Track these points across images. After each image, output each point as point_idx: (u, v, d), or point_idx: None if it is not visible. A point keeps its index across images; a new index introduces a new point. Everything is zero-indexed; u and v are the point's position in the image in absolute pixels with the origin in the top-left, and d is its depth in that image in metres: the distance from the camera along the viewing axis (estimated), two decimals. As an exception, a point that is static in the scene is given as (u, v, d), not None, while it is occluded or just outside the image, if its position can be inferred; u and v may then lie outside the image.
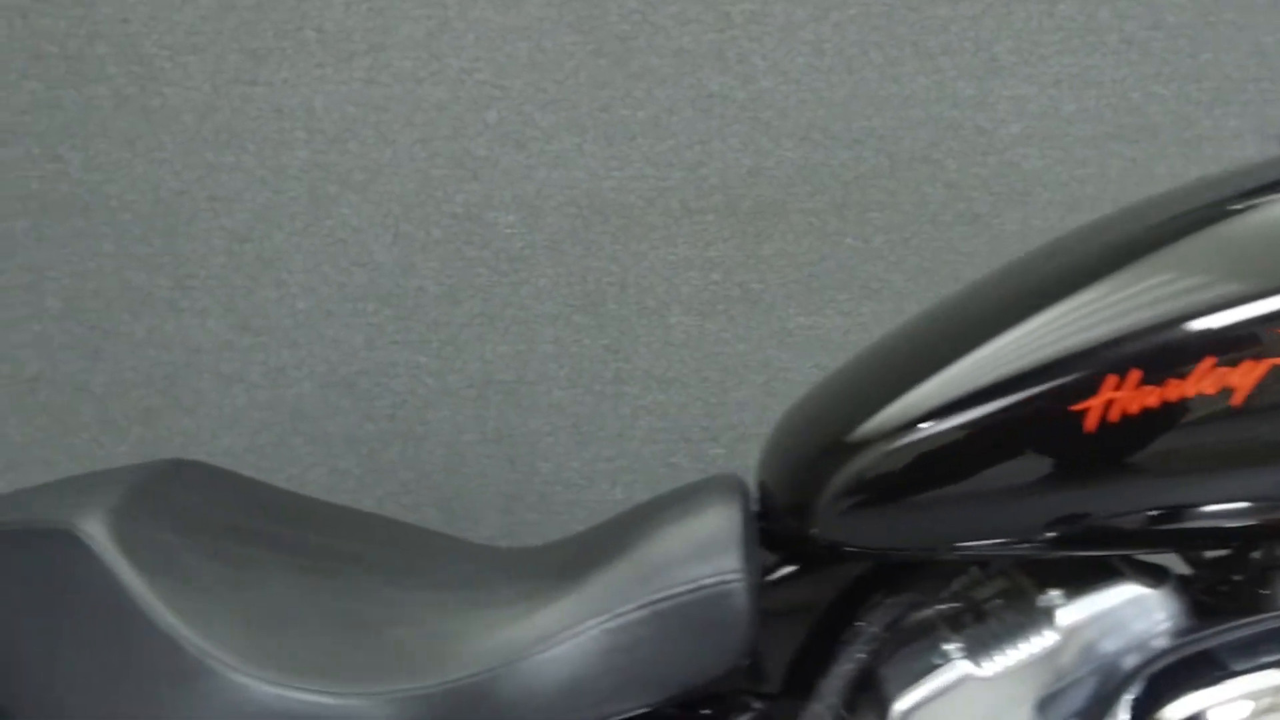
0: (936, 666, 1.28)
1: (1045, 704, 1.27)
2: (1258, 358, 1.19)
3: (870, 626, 1.32)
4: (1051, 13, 2.43)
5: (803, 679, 1.34)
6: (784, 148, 2.46)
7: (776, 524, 1.36)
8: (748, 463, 2.47)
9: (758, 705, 1.35)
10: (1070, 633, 1.27)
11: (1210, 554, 1.36)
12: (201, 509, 1.36)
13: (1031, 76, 2.45)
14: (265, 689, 1.22)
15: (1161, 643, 1.28)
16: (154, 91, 2.47)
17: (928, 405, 1.29)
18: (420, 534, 1.51)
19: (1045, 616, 1.28)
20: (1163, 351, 1.22)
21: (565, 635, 1.25)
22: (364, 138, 2.46)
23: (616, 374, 2.51)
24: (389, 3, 2.43)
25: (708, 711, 1.33)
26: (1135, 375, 1.22)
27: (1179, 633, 1.28)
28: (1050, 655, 1.27)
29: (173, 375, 2.52)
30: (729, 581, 1.27)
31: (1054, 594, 1.29)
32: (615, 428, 2.52)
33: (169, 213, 2.48)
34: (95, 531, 1.26)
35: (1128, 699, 1.26)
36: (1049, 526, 1.26)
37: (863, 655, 1.31)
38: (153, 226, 2.49)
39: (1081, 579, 1.30)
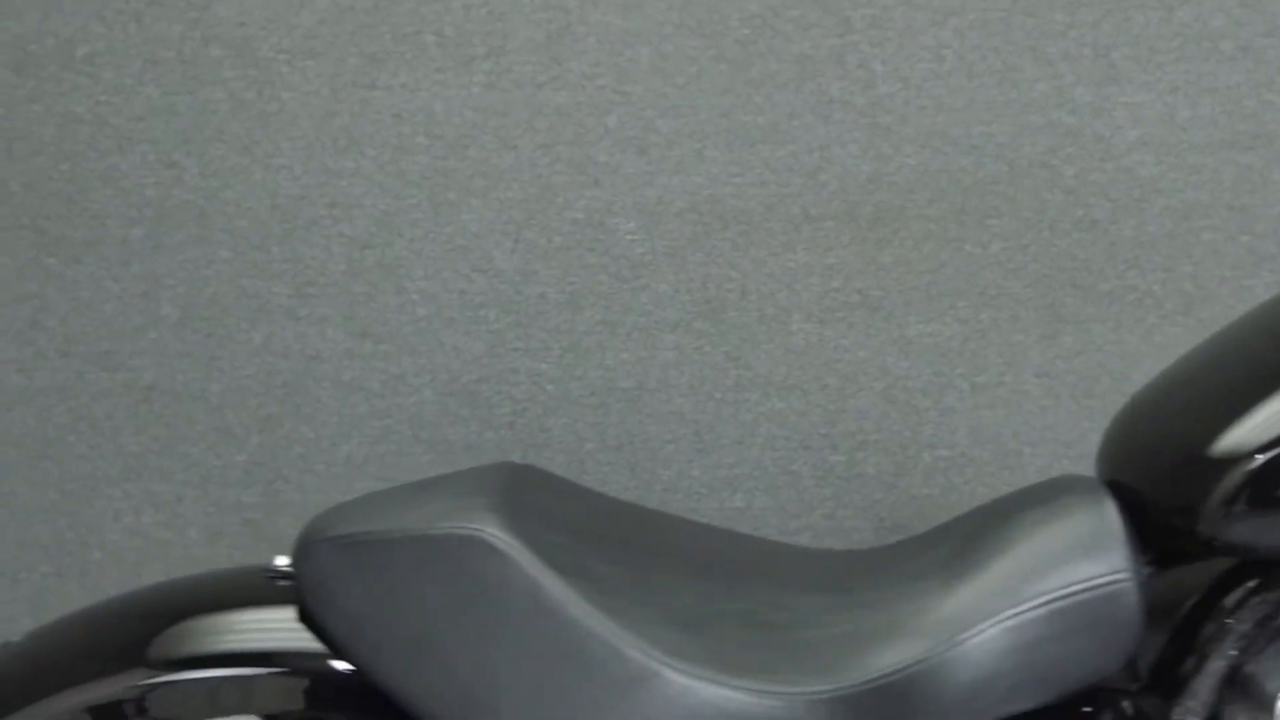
0: None
1: None
2: None
3: (1240, 624, 1.32)
4: (1169, 19, 2.45)
5: (1167, 675, 1.34)
6: (903, 153, 2.47)
7: (1142, 522, 1.35)
8: (866, 471, 2.49)
9: (1127, 702, 1.34)
10: None
11: None
12: (560, 513, 1.36)
13: (1148, 83, 2.46)
14: (709, 689, 1.23)
15: None
16: (271, 96, 2.47)
17: None
18: (747, 539, 1.53)
19: None
20: None
21: (966, 636, 1.26)
22: (484, 143, 2.47)
23: (737, 381, 2.51)
24: (509, 6, 2.44)
25: (1088, 709, 1.32)
26: None
27: None
28: None
29: (291, 383, 2.51)
30: (1121, 580, 1.29)
31: None
32: (735, 435, 2.52)
33: (287, 219, 2.48)
34: (505, 537, 1.26)
35: None
36: None
37: (1234, 653, 1.31)
38: (270, 233, 2.48)
39: None
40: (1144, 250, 2.48)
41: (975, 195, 2.47)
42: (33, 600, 2.56)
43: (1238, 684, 1.31)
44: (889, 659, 1.25)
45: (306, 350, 2.51)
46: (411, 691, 1.26)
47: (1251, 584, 1.36)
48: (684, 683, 1.22)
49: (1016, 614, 1.27)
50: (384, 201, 2.47)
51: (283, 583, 1.41)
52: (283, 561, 1.44)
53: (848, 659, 1.26)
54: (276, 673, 1.33)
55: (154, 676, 1.33)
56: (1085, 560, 1.29)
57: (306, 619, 1.34)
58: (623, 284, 2.49)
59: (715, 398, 2.51)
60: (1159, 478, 1.37)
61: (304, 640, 1.33)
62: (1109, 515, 1.34)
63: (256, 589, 1.42)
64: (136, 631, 1.39)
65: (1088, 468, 2.45)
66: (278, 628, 1.36)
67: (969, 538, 1.39)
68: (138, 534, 2.54)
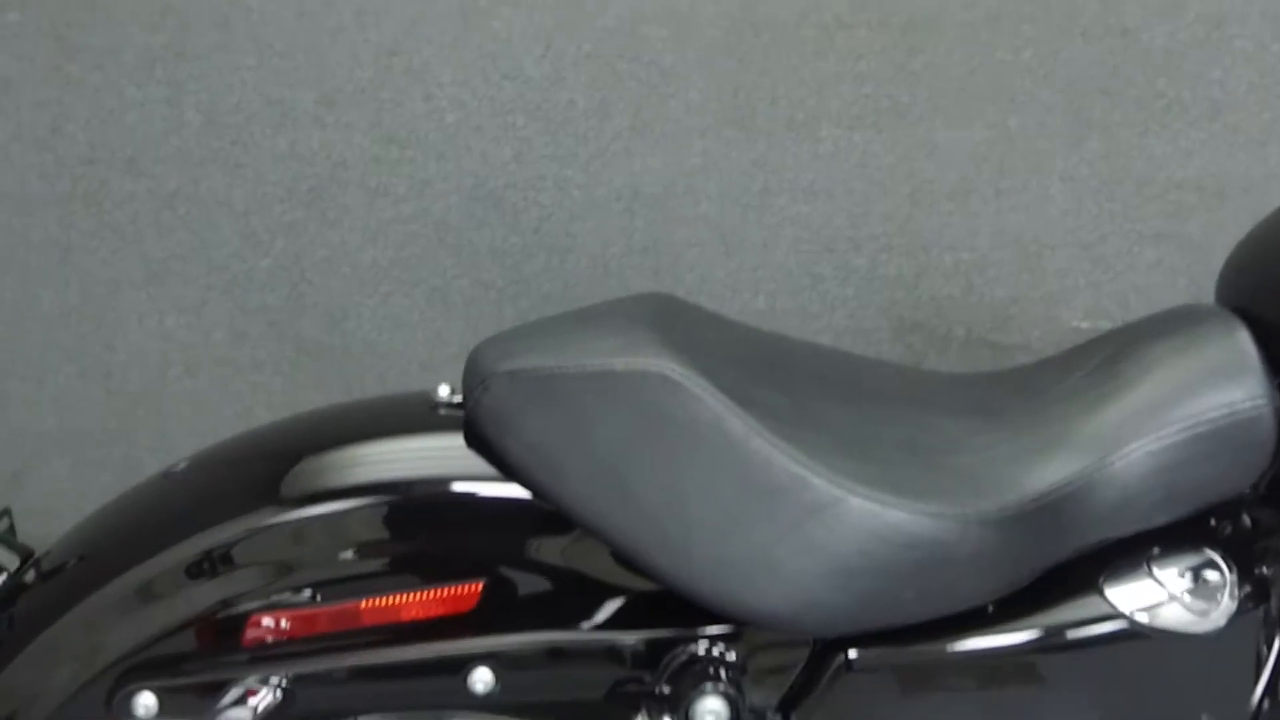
0: None
1: None
2: None
3: None
4: None
5: None
6: (938, -42, 2.43)
7: (1266, 347, 1.40)
8: (888, 273, 2.52)
9: (1245, 514, 1.41)
10: None
11: None
12: (716, 343, 1.39)
13: (1185, -114, 2.43)
14: (889, 513, 1.28)
15: None
16: (291, -104, 2.39)
17: None
18: (880, 362, 1.57)
19: None
20: None
21: (1115, 458, 1.32)
22: (513, -53, 2.41)
23: (764, 186, 2.50)
24: None
25: (1211, 520, 1.39)
26: None
27: None
28: None
29: (317, 189, 2.49)
30: (1259, 405, 1.34)
31: None
32: (760, 238, 2.53)
33: (313, 26, 2.42)
34: (684, 371, 1.29)
35: None
36: None
37: None
38: (296, 40, 2.42)
39: None
40: (1174, 57, 2.47)
41: (1010, 1, 2.44)
42: (57, 402, 2.56)
43: None
44: (1045, 479, 1.31)
45: (333, 156, 2.47)
46: (598, 517, 1.30)
47: None
48: (866, 507, 1.27)
49: (1161, 438, 1.32)
50: (412, 7, 2.41)
51: (445, 412, 1.43)
52: (445, 391, 1.45)
53: (1007, 480, 1.32)
54: (448, 495, 1.35)
55: (322, 504, 1.35)
56: (1225, 386, 1.34)
57: (474, 447, 1.36)
58: (652, 91, 2.46)
59: (741, 203, 2.51)
60: None
61: (475, 465, 1.35)
62: (1244, 343, 1.38)
63: (421, 417, 1.44)
64: (301, 458, 1.40)
65: (1106, 272, 2.50)
66: (448, 454, 1.38)
67: (1106, 363, 1.44)
68: (162, 337, 2.54)
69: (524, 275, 2.52)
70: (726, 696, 1.30)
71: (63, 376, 2.57)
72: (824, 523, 1.27)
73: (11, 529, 1.47)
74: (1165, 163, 2.49)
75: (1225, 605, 1.35)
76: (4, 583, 1.41)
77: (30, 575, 1.41)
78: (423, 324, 2.51)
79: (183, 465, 1.48)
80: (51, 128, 2.45)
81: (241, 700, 1.31)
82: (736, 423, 1.28)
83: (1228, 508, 1.39)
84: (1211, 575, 1.36)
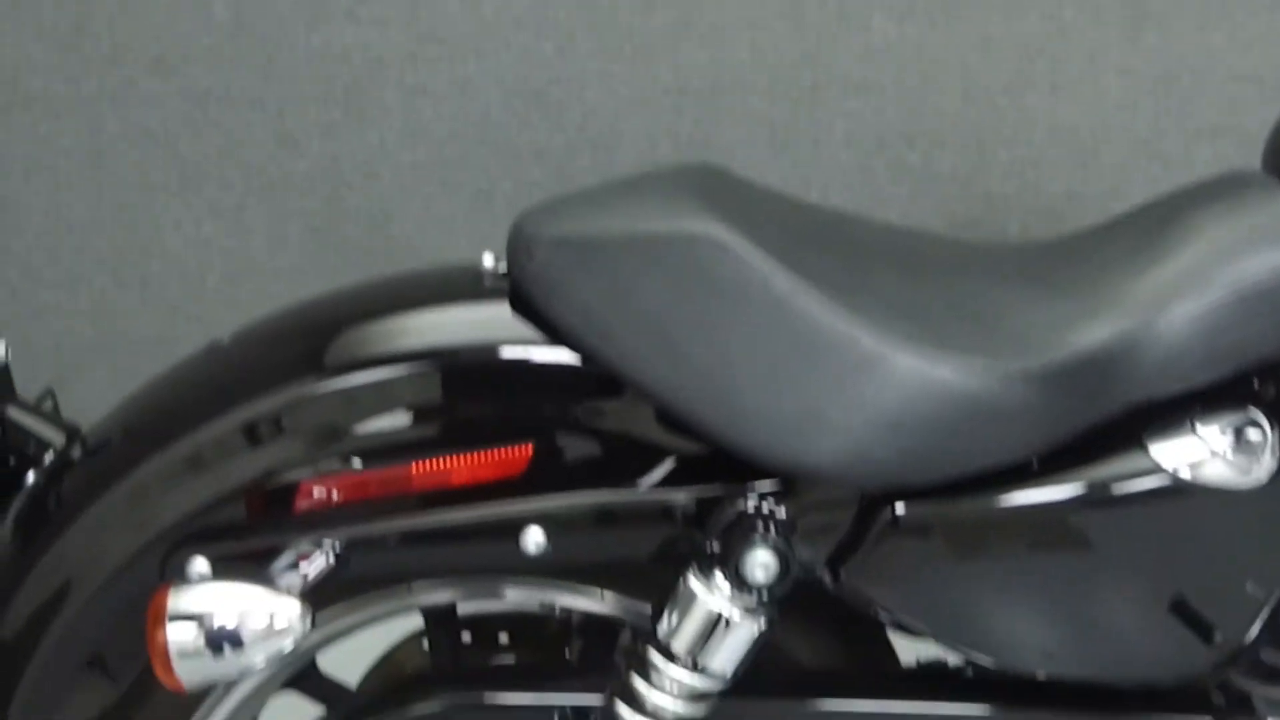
0: None
1: None
2: None
3: None
4: None
5: None
6: None
7: None
8: (942, 169, 2.46)
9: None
10: None
11: None
12: (762, 210, 1.38)
13: None
14: (934, 369, 1.29)
15: None
16: None
17: None
18: (925, 233, 1.58)
19: None
20: None
21: (1158, 318, 1.34)
22: None
23: (814, 81, 2.44)
24: None
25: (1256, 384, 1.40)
26: None
27: None
28: None
29: (352, 88, 2.42)
30: None
31: None
32: (811, 134, 2.46)
33: (347, -83, 2.34)
34: (732, 234, 1.30)
35: None
36: None
37: None
38: (329, -68, 2.35)
39: None
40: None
41: (1067, -113, 2.37)
42: (93, 312, 2.51)
43: None
44: (1089, 338, 1.33)
45: (368, 54, 2.40)
46: (646, 377, 1.32)
47: None
48: (913, 362, 1.28)
49: (1205, 298, 1.34)
50: (449, -103, 2.34)
51: (491, 282, 1.43)
52: (490, 261, 1.44)
53: (1052, 339, 1.34)
54: (496, 360, 1.36)
55: (369, 370, 1.36)
56: (1269, 249, 1.35)
57: (520, 312, 1.37)
58: (699, -18, 2.39)
59: (791, 97, 2.45)
60: None
61: (522, 332, 1.36)
62: None
63: (466, 286, 1.44)
64: (347, 327, 1.40)
65: (1164, 167, 2.45)
66: (494, 321, 1.38)
67: (1152, 230, 1.45)
68: (199, 243, 2.48)
69: (569, 175, 2.46)
70: (776, 549, 1.31)
71: (98, 285, 2.51)
72: (871, 377, 1.29)
73: (56, 409, 1.47)
74: (1223, 55, 2.43)
75: (1268, 462, 1.36)
76: (52, 460, 1.41)
77: (77, 451, 1.41)
78: (467, 227, 2.45)
79: (228, 338, 1.48)
80: (75, 27, 2.38)
81: (294, 565, 1.32)
82: (783, 281, 1.29)
83: (1271, 370, 1.40)
84: (1254, 433, 1.37)
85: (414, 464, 1.34)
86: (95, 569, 1.36)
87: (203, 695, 1.45)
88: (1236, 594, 1.39)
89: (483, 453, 1.34)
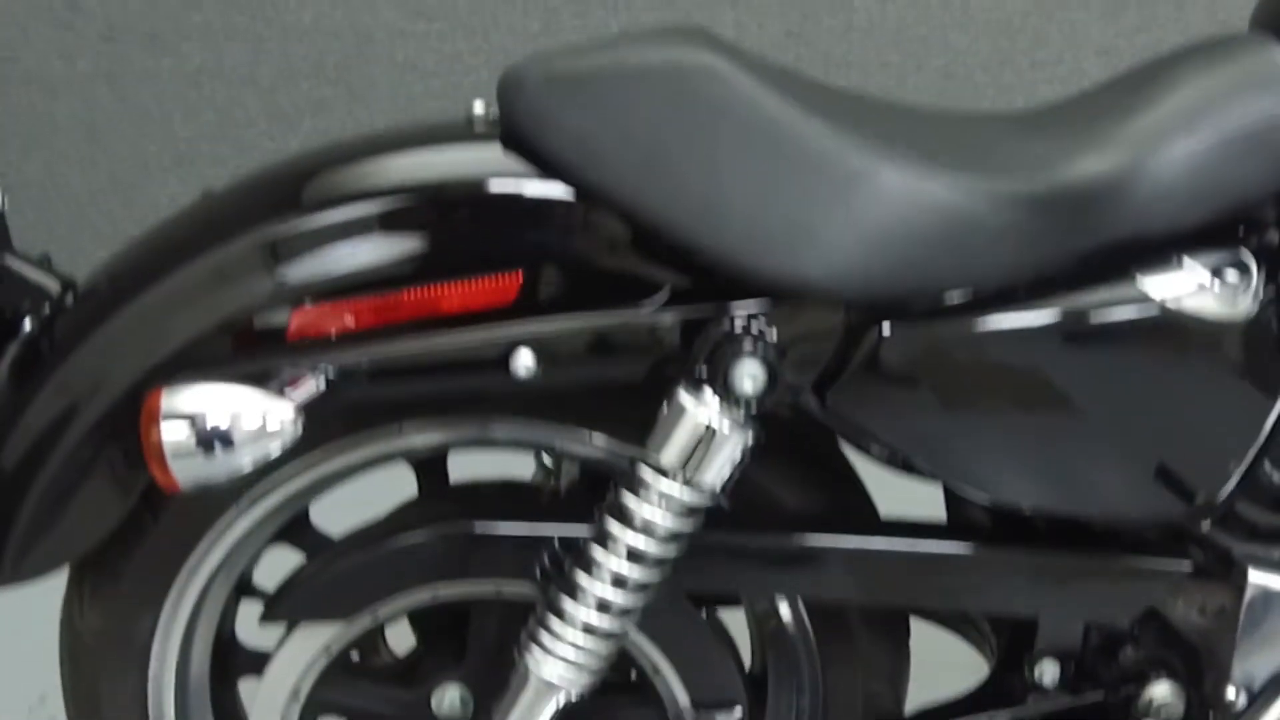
0: None
1: None
2: None
3: None
4: None
5: None
6: None
7: None
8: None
9: (1274, 224, 1.44)
10: None
11: None
12: (748, 59, 1.41)
13: None
14: (925, 184, 1.31)
15: None
16: None
17: None
18: (931, 106, 1.60)
19: None
20: None
21: (1147, 156, 1.36)
22: None
23: (796, 57, 2.48)
24: None
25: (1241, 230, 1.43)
26: None
27: None
28: None
29: (343, 64, 2.45)
30: None
31: None
32: (793, 113, 2.50)
33: (337, -105, 2.39)
34: (726, 64, 1.32)
35: None
36: None
37: None
38: (319, -90, 2.39)
39: None
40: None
41: None
42: (87, 285, 2.54)
43: None
44: (1081, 168, 1.36)
45: (358, 30, 2.44)
46: (639, 201, 1.33)
47: None
48: (902, 176, 1.31)
49: (1193, 138, 1.36)
50: (437, -124, 2.38)
51: (482, 128, 1.42)
52: (480, 108, 1.44)
53: (1042, 169, 1.36)
54: (485, 192, 1.36)
55: (360, 203, 1.36)
56: (1257, 95, 1.38)
57: (511, 148, 1.37)
58: (683, -39, 2.43)
59: (774, 76, 2.48)
60: None
61: (510, 166, 1.35)
62: (1275, 56, 1.41)
63: (457, 130, 1.44)
64: (330, 169, 1.40)
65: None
66: (485, 158, 1.38)
67: (1144, 81, 1.47)
68: (191, 218, 2.51)
69: (554, 152, 2.49)
70: (764, 359, 1.32)
71: (95, 260, 2.54)
72: (860, 192, 1.31)
73: (50, 263, 1.46)
74: (1202, 34, 2.46)
75: (1253, 295, 1.38)
76: (49, 308, 1.40)
77: (69, 299, 1.41)
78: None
79: (220, 187, 1.48)
80: (69, 4, 2.42)
81: (282, 391, 1.30)
82: (773, 101, 1.31)
83: (1257, 214, 1.43)
84: (1240, 270, 1.39)
85: (404, 291, 1.34)
86: (87, 407, 1.37)
87: (197, 535, 1.46)
88: (1216, 434, 1.42)
89: (473, 280, 1.35)
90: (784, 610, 1.51)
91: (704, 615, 1.52)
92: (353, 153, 1.43)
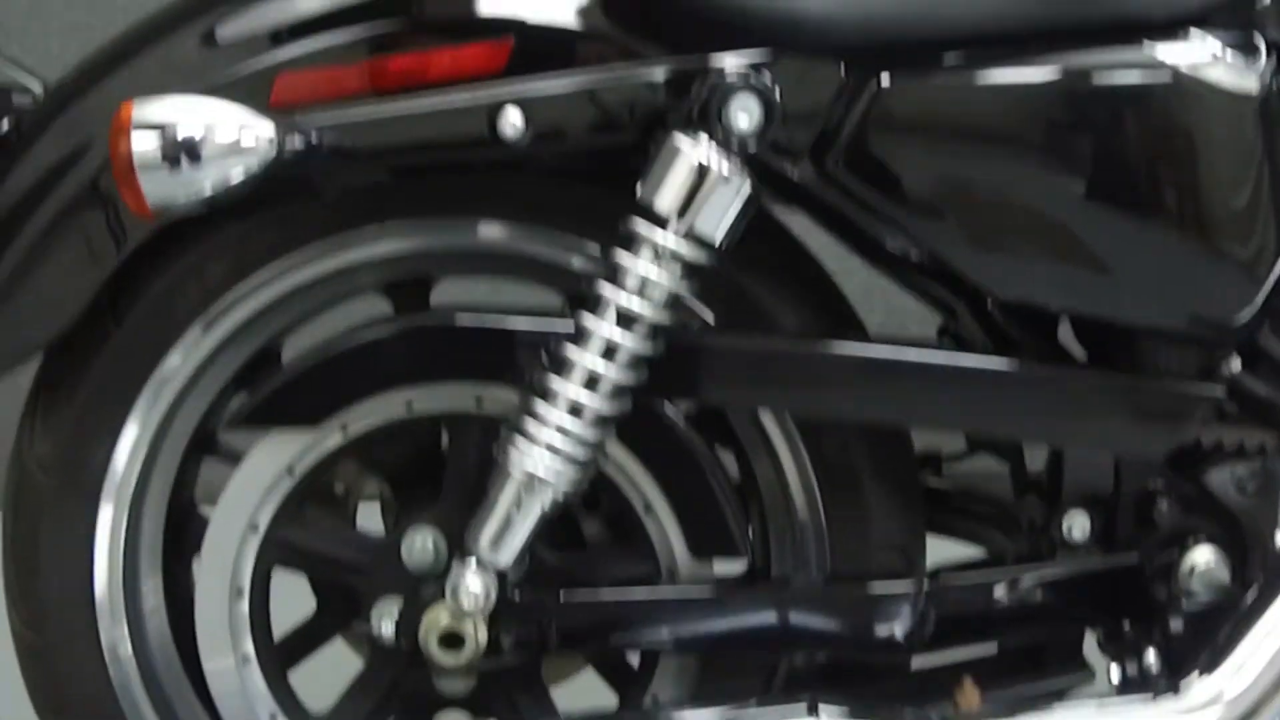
0: None
1: None
2: None
3: None
4: None
5: None
6: None
7: None
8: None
9: None
10: None
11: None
12: None
13: None
14: None
15: None
16: None
17: None
18: None
19: None
20: None
21: None
22: None
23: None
24: None
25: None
26: None
27: None
28: None
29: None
30: None
31: None
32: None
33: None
34: None
35: None
36: None
37: None
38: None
39: None
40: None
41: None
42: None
43: None
44: None
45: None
46: None
47: None
48: None
49: None
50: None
51: None
52: None
53: None
54: None
55: None
56: None
57: None
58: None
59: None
60: None
61: None
62: None
63: None
64: None
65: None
66: None
67: None
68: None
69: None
70: (758, 92, 1.24)
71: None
72: None
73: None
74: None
75: (1263, 71, 1.30)
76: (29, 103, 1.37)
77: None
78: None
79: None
80: (87, 24, 2.43)
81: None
82: None
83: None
84: (1250, 47, 1.31)
85: (391, 58, 1.30)
86: (59, 185, 1.32)
87: (160, 350, 1.36)
88: (1237, 224, 1.32)
89: (463, 46, 1.30)
90: (788, 465, 1.38)
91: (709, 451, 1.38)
92: None
